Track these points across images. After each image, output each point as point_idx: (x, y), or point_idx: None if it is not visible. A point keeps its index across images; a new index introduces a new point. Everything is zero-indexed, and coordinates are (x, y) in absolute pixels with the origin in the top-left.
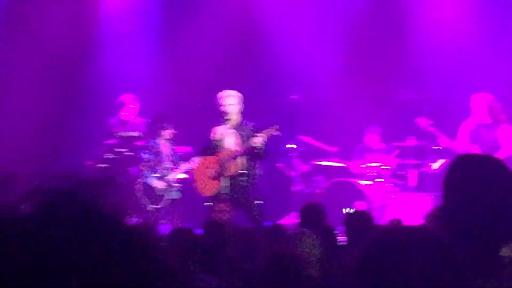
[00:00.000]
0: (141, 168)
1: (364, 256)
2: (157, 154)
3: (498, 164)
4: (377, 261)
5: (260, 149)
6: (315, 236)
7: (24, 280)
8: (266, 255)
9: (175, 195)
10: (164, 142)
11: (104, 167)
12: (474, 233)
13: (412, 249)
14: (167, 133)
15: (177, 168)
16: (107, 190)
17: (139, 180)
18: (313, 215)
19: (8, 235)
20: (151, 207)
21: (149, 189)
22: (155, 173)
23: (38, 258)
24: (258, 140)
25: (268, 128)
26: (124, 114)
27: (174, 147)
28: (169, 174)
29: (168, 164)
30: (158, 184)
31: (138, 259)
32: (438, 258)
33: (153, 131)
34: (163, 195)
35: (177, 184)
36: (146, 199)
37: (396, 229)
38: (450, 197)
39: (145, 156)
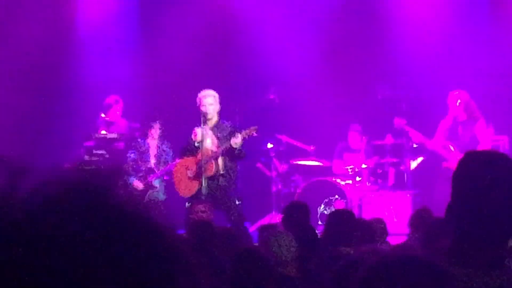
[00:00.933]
0: (126, 167)
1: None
2: (143, 153)
3: (506, 161)
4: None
5: (239, 149)
6: (290, 235)
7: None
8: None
9: (158, 196)
10: (151, 141)
11: (84, 169)
12: (481, 230)
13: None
14: (155, 132)
15: (159, 169)
16: (116, 181)
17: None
18: (296, 214)
19: (18, 231)
20: None
21: (130, 189)
22: (138, 173)
23: (52, 254)
24: (237, 141)
25: (247, 128)
26: (109, 116)
27: (165, 147)
28: (151, 175)
29: (154, 165)
30: (137, 184)
31: (158, 254)
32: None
33: (141, 131)
34: (143, 196)
35: (158, 186)
36: None
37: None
38: (458, 193)
39: (131, 155)
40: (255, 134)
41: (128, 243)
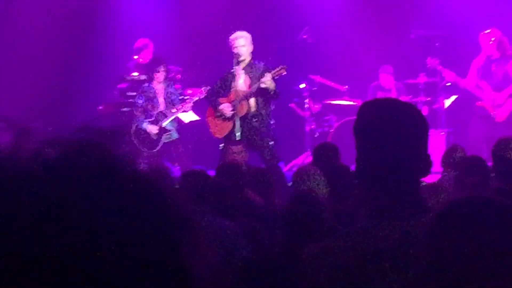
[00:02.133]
0: (135, 113)
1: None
2: (152, 98)
3: (402, 106)
4: (448, 233)
5: (272, 89)
6: (321, 175)
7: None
8: (289, 195)
9: (172, 136)
10: (157, 85)
11: (117, 111)
12: (392, 174)
13: (483, 220)
14: (161, 76)
15: (171, 111)
16: (121, 140)
17: (132, 125)
18: (325, 155)
19: (24, 192)
20: (147, 152)
21: (143, 134)
22: (149, 118)
23: (58, 215)
24: (266, 80)
25: (276, 67)
26: (140, 58)
27: (176, 90)
28: (163, 118)
29: (163, 108)
30: (152, 128)
31: (157, 208)
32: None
33: (147, 75)
34: (159, 140)
35: (171, 127)
36: (141, 145)
37: (464, 201)
38: (362, 144)
39: (140, 101)
40: (284, 73)
41: (128, 207)
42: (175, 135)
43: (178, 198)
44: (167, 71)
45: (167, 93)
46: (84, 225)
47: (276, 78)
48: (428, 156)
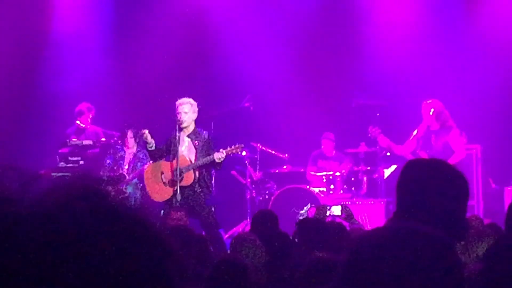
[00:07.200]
0: (101, 172)
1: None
2: (118, 160)
3: (445, 166)
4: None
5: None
6: (258, 242)
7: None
8: (213, 262)
9: (130, 202)
10: (127, 150)
11: (59, 176)
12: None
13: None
14: (130, 141)
15: (129, 176)
16: (113, 187)
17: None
18: (264, 222)
19: (28, 231)
20: None
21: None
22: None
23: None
24: (221, 156)
25: (233, 146)
26: (81, 123)
27: (142, 154)
28: (121, 181)
29: (125, 171)
30: (108, 189)
31: (148, 241)
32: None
33: (120, 139)
34: None
35: (131, 191)
36: None
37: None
38: (404, 199)
39: (108, 160)
40: (239, 153)
41: (125, 239)
42: (133, 202)
43: (163, 235)
44: (135, 136)
45: (136, 158)
46: (86, 255)
47: (230, 155)
48: (465, 222)
